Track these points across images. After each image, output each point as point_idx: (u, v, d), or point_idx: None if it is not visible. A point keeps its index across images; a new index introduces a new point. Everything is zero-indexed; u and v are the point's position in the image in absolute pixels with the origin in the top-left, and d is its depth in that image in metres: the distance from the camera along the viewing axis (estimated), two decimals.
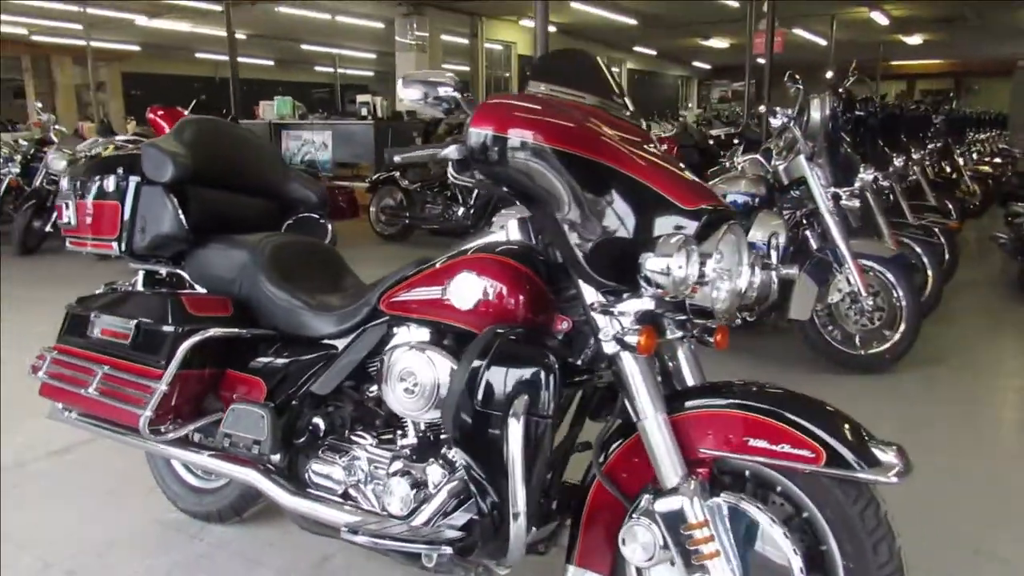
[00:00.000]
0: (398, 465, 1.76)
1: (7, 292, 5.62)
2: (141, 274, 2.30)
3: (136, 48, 20.49)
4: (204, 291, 2.15)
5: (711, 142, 8.20)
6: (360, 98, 12.35)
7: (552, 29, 17.12)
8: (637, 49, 21.92)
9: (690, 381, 1.62)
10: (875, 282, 3.72)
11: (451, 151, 1.52)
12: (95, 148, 6.62)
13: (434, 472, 1.69)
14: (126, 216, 2.14)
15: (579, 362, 1.59)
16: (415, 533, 1.64)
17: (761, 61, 12.19)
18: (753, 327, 3.98)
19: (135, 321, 2.00)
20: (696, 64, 26.19)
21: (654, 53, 22.84)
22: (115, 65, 20.88)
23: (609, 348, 1.49)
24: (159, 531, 2.34)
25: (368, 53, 22.05)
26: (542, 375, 1.45)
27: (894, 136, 5.55)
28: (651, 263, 1.38)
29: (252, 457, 1.92)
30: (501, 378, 1.47)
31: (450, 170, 1.56)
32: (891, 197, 5.00)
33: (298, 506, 1.84)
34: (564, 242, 1.47)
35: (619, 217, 1.44)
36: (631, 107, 1.69)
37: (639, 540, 1.43)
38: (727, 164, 4.28)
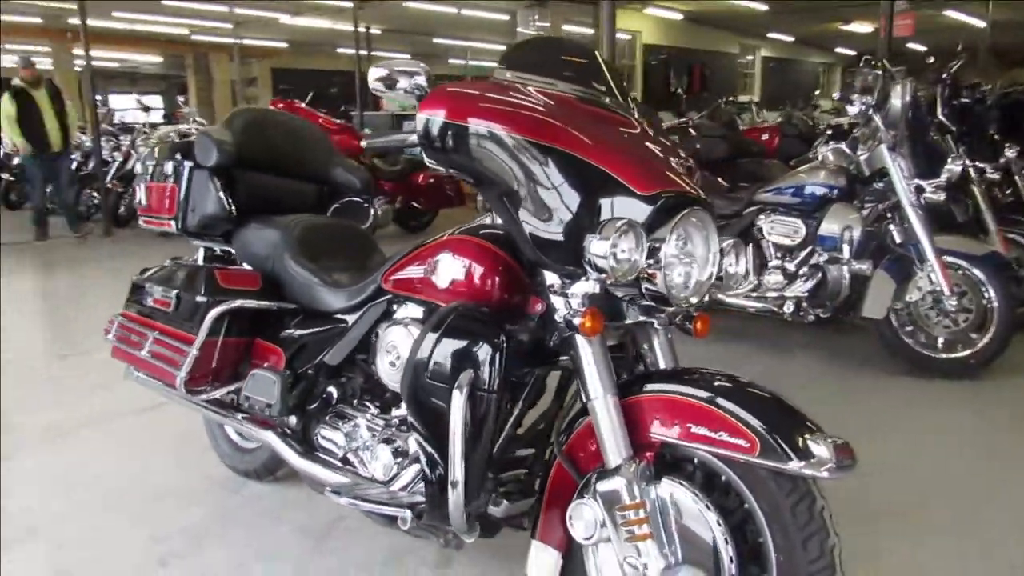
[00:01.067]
0: (387, 433, 1.86)
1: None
2: (201, 251, 2.54)
3: (284, 45, 21.87)
4: (249, 267, 2.35)
5: (829, 131, 7.78)
6: None
7: (679, 17, 16.84)
8: (772, 36, 20.97)
9: (663, 367, 1.62)
10: (963, 281, 3.46)
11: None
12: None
13: (414, 441, 1.78)
14: (181, 197, 2.38)
15: (551, 343, 1.63)
16: (390, 497, 1.75)
17: (909, 46, 11.24)
18: (828, 323, 3.80)
19: (175, 291, 2.23)
20: (839, 51, 24.70)
21: (791, 39, 21.76)
22: (265, 61, 22.43)
23: (567, 330, 1.52)
24: (206, 484, 2.59)
25: (498, 45, 22.39)
26: (488, 351, 1.51)
27: (1018, 126, 5.06)
28: (594, 247, 1.40)
29: (269, 419, 2.09)
30: (450, 351, 1.54)
31: (424, 155, 1.63)
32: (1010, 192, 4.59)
33: (303, 467, 1.99)
34: (516, 226, 1.51)
35: (572, 201, 1.45)
36: (617, 93, 1.68)
37: (583, 518, 1.46)
38: (810, 154, 4.09)
